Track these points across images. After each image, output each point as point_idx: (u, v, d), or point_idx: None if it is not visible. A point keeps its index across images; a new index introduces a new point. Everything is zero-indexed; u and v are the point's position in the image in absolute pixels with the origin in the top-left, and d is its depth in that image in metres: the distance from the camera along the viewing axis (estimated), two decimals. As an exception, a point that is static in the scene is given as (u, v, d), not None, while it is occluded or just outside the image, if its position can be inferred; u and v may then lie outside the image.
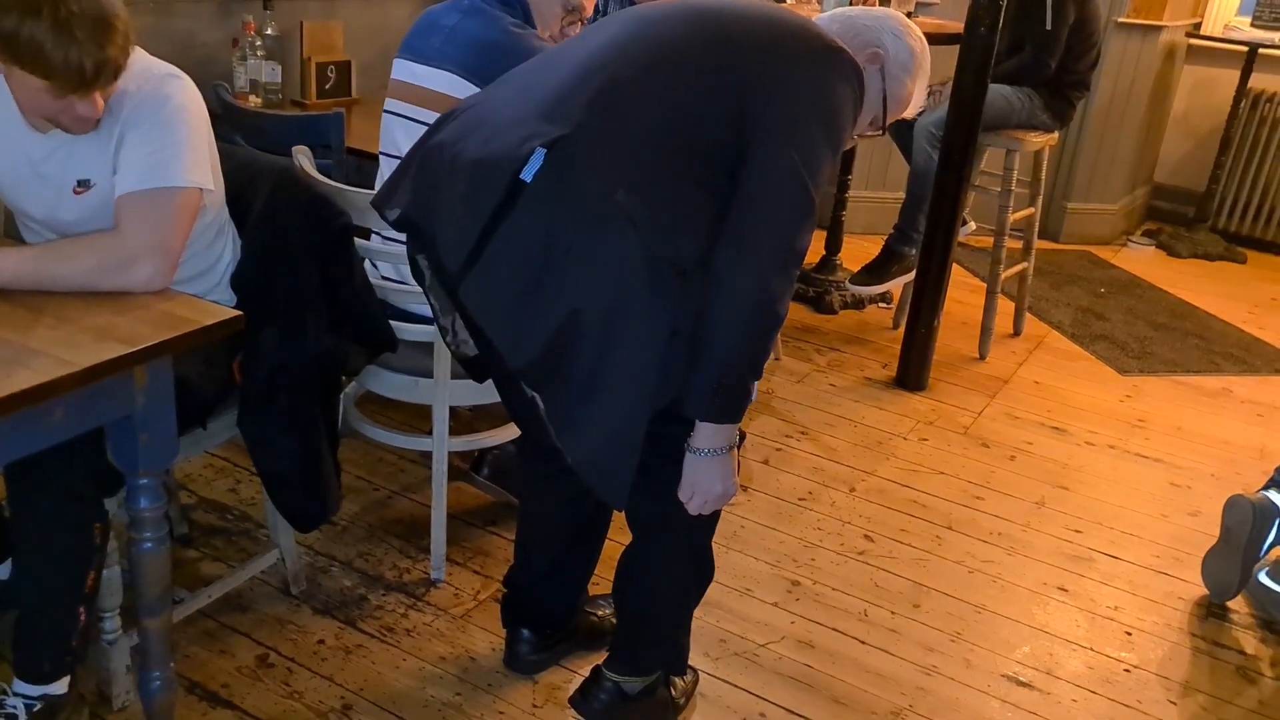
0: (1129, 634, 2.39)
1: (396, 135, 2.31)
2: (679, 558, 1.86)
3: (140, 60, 1.72)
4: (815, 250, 4.20)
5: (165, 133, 1.68)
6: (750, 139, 1.55)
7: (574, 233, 1.52)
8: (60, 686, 1.76)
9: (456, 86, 2.21)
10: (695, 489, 1.65)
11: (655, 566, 1.88)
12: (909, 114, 1.85)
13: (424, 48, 2.28)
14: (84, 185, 1.70)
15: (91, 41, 1.52)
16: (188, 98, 1.73)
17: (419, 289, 2.21)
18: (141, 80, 1.69)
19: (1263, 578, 2.50)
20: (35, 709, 1.73)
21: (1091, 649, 2.33)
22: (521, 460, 2.16)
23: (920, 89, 1.83)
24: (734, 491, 1.68)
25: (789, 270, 1.57)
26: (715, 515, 1.81)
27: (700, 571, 1.91)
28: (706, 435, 1.63)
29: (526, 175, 1.53)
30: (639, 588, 1.91)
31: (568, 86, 1.58)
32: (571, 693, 2.00)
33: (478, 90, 2.15)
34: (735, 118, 1.55)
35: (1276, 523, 2.44)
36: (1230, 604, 2.52)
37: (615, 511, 2.00)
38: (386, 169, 2.35)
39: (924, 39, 1.83)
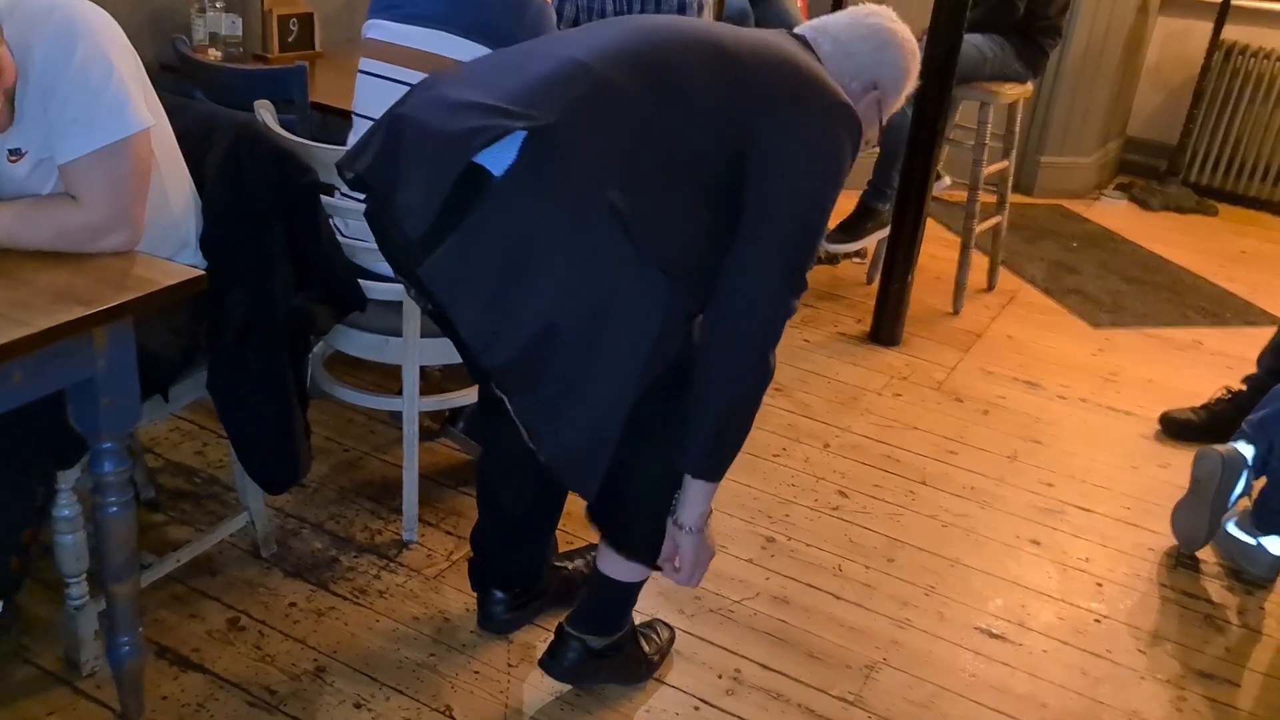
0: (1099, 585, 2.41)
1: (373, 97, 2.22)
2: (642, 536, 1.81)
3: (31, 5, 1.55)
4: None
5: (83, 83, 1.54)
6: (752, 188, 1.56)
7: (558, 229, 1.49)
8: None
9: (450, 47, 2.11)
10: (684, 563, 1.74)
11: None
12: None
13: (409, 6, 2.18)
14: (17, 154, 1.60)
15: None
16: (94, 31, 1.57)
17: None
18: (40, 31, 1.54)
19: (1231, 528, 2.52)
20: None
21: (1063, 600, 2.35)
22: (480, 412, 2.10)
23: (909, 88, 1.82)
24: (714, 551, 1.79)
25: (780, 318, 1.63)
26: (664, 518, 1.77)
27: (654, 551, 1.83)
28: (696, 502, 1.69)
29: (492, 164, 1.49)
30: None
31: (552, 79, 1.54)
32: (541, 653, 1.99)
33: (483, 48, 2.08)
34: (734, 160, 1.56)
35: (1244, 474, 2.46)
36: (1199, 554, 2.55)
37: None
38: (362, 129, 2.28)
39: (911, 41, 1.78)
